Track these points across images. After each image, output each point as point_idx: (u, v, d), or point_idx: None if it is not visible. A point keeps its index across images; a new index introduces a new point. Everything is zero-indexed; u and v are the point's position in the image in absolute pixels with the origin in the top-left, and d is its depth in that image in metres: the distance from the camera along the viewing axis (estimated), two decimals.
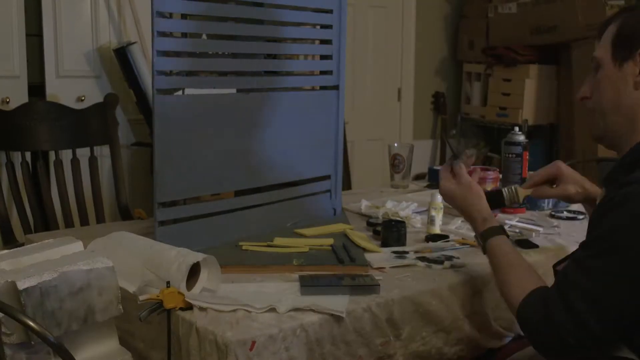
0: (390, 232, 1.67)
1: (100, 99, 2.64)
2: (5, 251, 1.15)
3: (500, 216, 1.94)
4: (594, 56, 1.27)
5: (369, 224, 1.87)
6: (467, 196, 1.46)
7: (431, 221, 1.79)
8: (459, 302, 1.43)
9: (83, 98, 3.10)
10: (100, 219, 2.45)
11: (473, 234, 1.72)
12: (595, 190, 1.49)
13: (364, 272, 1.45)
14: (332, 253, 1.60)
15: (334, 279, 1.37)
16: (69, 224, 2.41)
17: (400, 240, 1.66)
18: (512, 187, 1.55)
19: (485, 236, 1.39)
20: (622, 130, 1.23)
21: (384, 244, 1.67)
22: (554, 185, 1.54)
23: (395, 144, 2.41)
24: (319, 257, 1.57)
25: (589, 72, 1.30)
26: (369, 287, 1.34)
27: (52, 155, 2.62)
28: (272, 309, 1.23)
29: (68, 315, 1.05)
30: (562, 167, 1.53)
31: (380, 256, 1.59)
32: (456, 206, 1.48)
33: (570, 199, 1.53)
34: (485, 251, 1.39)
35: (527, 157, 2.04)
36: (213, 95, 1.69)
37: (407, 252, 1.61)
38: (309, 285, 1.34)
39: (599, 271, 1.11)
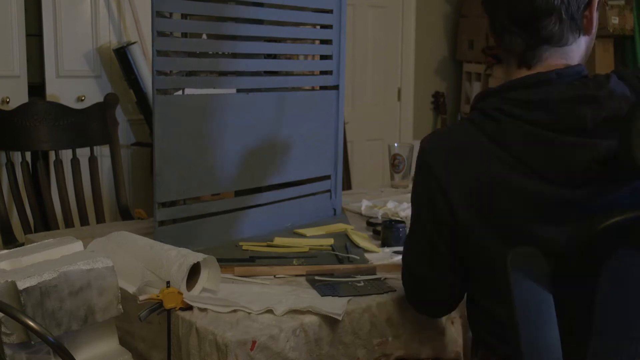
0: (390, 232, 1.67)
1: (100, 99, 2.64)
2: (5, 251, 1.15)
3: None
4: None
5: (369, 223, 1.87)
6: None
7: None
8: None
9: (83, 98, 3.10)
10: (100, 219, 2.45)
11: None
12: None
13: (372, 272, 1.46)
14: (332, 253, 1.60)
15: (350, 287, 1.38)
16: (69, 224, 2.41)
17: (400, 240, 1.66)
18: None
19: None
20: None
21: (384, 244, 1.67)
22: None
23: (395, 144, 2.41)
24: (319, 257, 1.57)
25: None
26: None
27: (52, 156, 2.62)
28: (270, 311, 1.23)
29: (68, 315, 1.05)
30: None
31: (380, 256, 1.59)
32: None
33: None
34: None
35: None
36: (213, 95, 1.69)
37: None
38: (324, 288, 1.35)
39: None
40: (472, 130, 1.13)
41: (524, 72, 1.13)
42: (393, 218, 1.86)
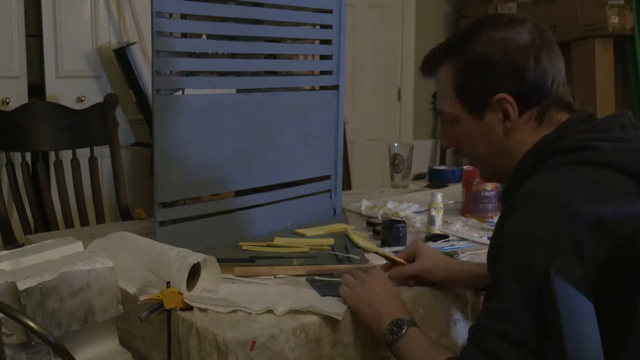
0: (390, 232, 1.67)
1: (100, 99, 2.64)
2: (5, 252, 1.15)
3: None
4: (442, 110, 1.20)
5: (369, 223, 1.87)
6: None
7: (431, 221, 1.79)
8: (461, 303, 1.43)
9: (83, 98, 3.10)
10: (100, 219, 2.45)
11: (474, 234, 1.73)
12: (458, 266, 1.41)
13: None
14: (332, 253, 1.60)
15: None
16: (69, 224, 2.41)
17: (401, 240, 1.66)
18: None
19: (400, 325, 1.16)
20: (509, 165, 1.16)
21: (384, 244, 1.67)
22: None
23: (395, 144, 2.41)
24: (319, 257, 1.57)
25: (442, 122, 1.24)
26: None
27: (52, 156, 2.62)
28: (270, 311, 1.23)
29: (68, 316, 1.04)
30: (419, 244, 1.43)
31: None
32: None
33: (430, 273, 1.38)
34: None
35: None
36: (213, 95, 1.69)
37: None
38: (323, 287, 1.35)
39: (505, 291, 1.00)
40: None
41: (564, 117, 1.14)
42: (393, 218, 1.86)
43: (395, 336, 1.14)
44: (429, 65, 1.22)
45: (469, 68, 1.14)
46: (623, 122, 1.10)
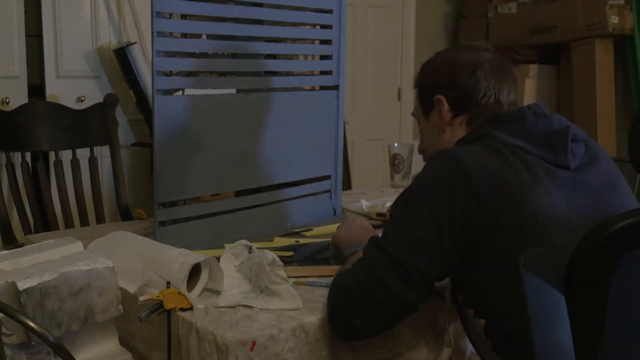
0: None
1: (100, 99, 2.63)
2: (5, 251, 1.15)
3: None
4: (413, 114, 1.48)
5: None
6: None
7: None
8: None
9: (83, 98, 3.10)
10: (100, 219, 2.45)
11: None
12: None
13: None
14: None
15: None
16: (69, 224, 2.41)
17: None
18: None
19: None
20: None
21: None
22: None
23: (395, 144, 2.41)
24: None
25: None
26: None
27: (52, 156, 2.62)
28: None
29: (68, 316, 1.05)
30: None
31: None
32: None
33: None
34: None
35: None
36: (213, 95, 1.69)
37: None
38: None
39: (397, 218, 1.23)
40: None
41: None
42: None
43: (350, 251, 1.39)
44: (415, 81, 1.49)
45: (426, 73, 1.43)
46: (524, 114, 1.29)
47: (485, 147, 1.22)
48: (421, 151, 1.47)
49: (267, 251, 1.29)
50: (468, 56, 1.37)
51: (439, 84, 1.37)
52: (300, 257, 1.54)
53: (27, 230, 2.30)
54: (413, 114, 1.48)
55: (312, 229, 1.80)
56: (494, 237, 1.14)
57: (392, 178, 2.43)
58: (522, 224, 1.13)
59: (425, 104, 1.41)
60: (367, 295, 1.15)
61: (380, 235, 1.24)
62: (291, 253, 1.56)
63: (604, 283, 0.95)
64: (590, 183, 1.22)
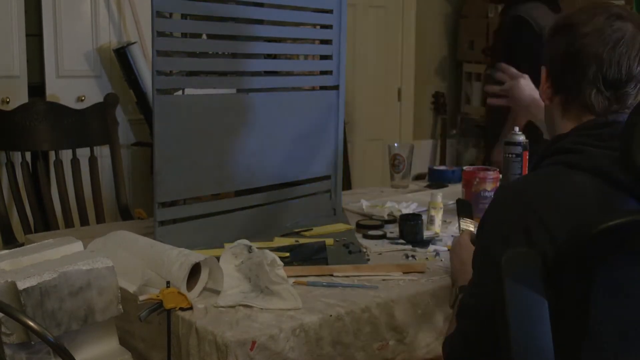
0: (411, 225, 1.70)
1: (100, 99, 2.63)
2: (5, 251, 1.15)
3: None
4: None
5: (360, 226, 1.82)
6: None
7: (431, 221, 1.79)
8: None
9: (83, 98, 3.09)
10: (100, 219, 2.45)
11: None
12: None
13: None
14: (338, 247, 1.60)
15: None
16: (69, 224, 2.41)
17: (419, 233, 1.69)
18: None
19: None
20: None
21: (402, 238, 1.69)
22: None
23: (395, 144, 2.41)
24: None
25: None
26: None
27: (52, 155, 2.62)
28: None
29: (68, 315, 1.05)
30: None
31: (382, 257, 1.59)
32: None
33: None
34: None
35: (527, 157, 2.04)
36: (213, 95, 1.69)
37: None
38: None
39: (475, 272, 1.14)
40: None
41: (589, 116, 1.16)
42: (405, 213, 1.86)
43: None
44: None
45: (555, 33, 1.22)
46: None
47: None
48: None
49: (267, 251, 1.29)
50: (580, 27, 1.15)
51: (543, 53, 1.23)
52: (298, 257, 1.53)
53: (27, 229, 2.30)
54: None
55: (312, 229, 1.79)
56: None
57: (392, 178, 2.43)
58: None
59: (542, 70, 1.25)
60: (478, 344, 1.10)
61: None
62: (287, 254, 1.55)
63: (586, 285, 0.94)
64: None
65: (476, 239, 1.18)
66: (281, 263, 1.28)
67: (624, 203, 1.04)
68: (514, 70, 1.85)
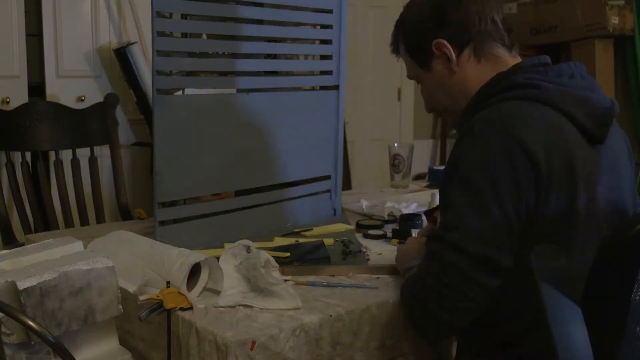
0: (413, 224, 1.70)
1: (100, 99, 2.64)
2: (5, 251, 1.15)
3: None
4: (409, 76, 1.40)
5: (360, 226, 1.82)
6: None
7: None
8: None
9: (83, 98, 3.10)
10: (100, 219, 2.45)
11: None
12: None
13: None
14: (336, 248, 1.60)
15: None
16: (69, 224, 2.41)
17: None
18: None
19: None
20: (465, 103, 1.31)
21: (402, 237, 1.68)
22: None
23: (395, 144, 2.41)
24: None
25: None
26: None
27: (52, 155, 2.62)
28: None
29: (68, 315, 1.04)
30: None
31: (382, 257, 1.59)
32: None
33: None
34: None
35: None
36: (213, 95, 1.69)
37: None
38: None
39: (457, 203, 1.16)
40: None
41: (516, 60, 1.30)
42: (406, 213, 1.86)
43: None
44: (392, 47, 1.42)
45: (409, 29, 1.35)
46: (572, 72, 1.27)
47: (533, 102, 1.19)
48: (430, 109, 1.41)
49: (262, 252, 1.29)
50: None
51: (429, 31, 1.30)
52: (296, 257, 1.52)
53: (27, 229, 2.30)
54: (410, 76, 1.41)
55: (312, 229, 1.79)
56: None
57: (392, 178, 2.43)
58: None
59: (421, 58, 1.34)
60: (451, 288, 1.13)
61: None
62: (287, 254, 1.55)
63: (627, 284, 0.94)
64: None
65: (447, 179, 1.20)
66: (276, 264, 1.27)
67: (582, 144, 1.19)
68: None
